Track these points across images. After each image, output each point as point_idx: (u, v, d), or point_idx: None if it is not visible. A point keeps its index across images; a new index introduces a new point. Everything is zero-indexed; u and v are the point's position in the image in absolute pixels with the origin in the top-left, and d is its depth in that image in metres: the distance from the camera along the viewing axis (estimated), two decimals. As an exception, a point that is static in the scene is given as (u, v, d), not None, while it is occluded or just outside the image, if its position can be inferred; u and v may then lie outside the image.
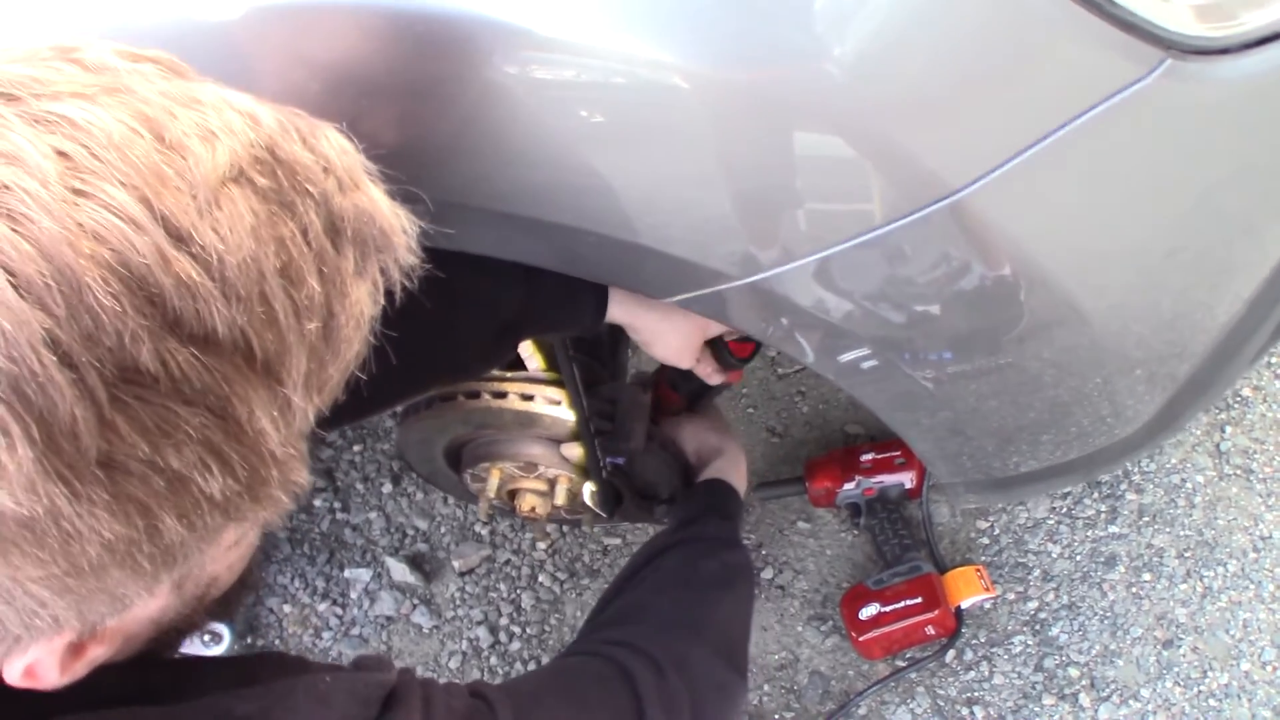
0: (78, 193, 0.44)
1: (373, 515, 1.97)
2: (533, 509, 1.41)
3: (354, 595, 1.90)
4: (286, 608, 1.91)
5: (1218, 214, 0.85)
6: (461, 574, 1.89)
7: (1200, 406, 1.22)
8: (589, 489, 1.35)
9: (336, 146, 0.56)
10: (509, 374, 1.30)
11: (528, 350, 1.29)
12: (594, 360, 1.35)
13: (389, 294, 0.61)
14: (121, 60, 0.50)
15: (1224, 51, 0.72)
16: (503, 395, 1.30)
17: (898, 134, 0.69)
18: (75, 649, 0.54)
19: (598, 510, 1.36)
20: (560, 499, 1.38)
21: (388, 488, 1.99)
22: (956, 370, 0.87)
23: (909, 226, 0.73)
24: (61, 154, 0.44)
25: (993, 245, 0.75)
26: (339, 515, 1.98)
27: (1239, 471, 1.66)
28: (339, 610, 1.89)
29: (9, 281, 0.41)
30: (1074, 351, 0.87)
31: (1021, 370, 0.89)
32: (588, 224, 0.75)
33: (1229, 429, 1.70)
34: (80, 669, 0.56)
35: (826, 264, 0.76)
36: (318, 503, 1.99)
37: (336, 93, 0.70)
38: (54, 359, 0.42)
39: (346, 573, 1.92)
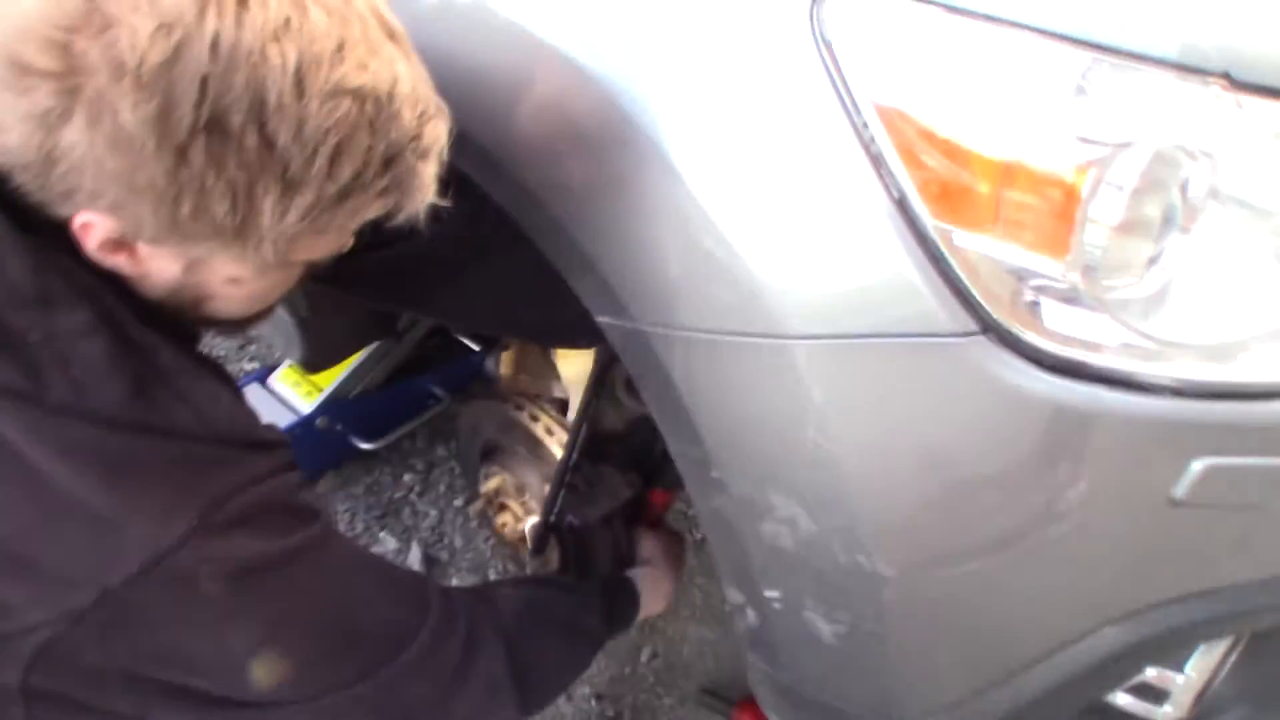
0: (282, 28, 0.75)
1: (433, 511, 2.27)
2: (504, 524, 1.65)
3: (374, 551, 2.19)
4: (326, 525, 2.21)
5: (1018, 521, 0.98)
6: (452, 593, 2.13)
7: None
8: (531, 522, 1.58)
9: (434, 134, 0.85)
10: (552, 410, 1.58)
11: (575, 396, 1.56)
12: (642, 456, 1.58)
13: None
14: None
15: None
16: (535, 419, 1.57)
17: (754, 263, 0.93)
18: (114, 244, 0.81)
19: (530, 543, 1.58)
20: (525, 529, 1.62)
21: (458, 503, 2.29)
22: (743, 494, 1.06)
23: (749, 344, 0.96)
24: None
25: (796, 393, 0.96)
26: (412, 495, 2.30)
27: None
28: (355, 552, 2.18)
29: (211, 41, 0.72)
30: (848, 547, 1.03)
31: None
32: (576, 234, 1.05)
33: None
34: (109, 261, 0.83)
35: (698, 344, 1.00)
36: (406, 478, 2.32)
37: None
38: (196, 88, 0.72)
39: (382, 534, 2.22)
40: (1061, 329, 0.88)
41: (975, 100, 0.85)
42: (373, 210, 0.84)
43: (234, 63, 0.72)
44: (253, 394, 2.09)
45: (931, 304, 0.89)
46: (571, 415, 1.57)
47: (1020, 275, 0.87)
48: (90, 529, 0.80)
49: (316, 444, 2.15)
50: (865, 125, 0.88)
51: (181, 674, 0.90)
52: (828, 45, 0.87)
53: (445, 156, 0.88)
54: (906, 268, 0.89)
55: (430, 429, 2.38)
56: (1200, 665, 1.14)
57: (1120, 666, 1.09)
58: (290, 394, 2.13)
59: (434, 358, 2.18)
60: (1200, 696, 1.18)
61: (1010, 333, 0.88)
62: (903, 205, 0.88)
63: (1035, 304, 0.88)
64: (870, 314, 0.91)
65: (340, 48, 0.76)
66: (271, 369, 2.17)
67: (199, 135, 0.73)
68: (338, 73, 0.76)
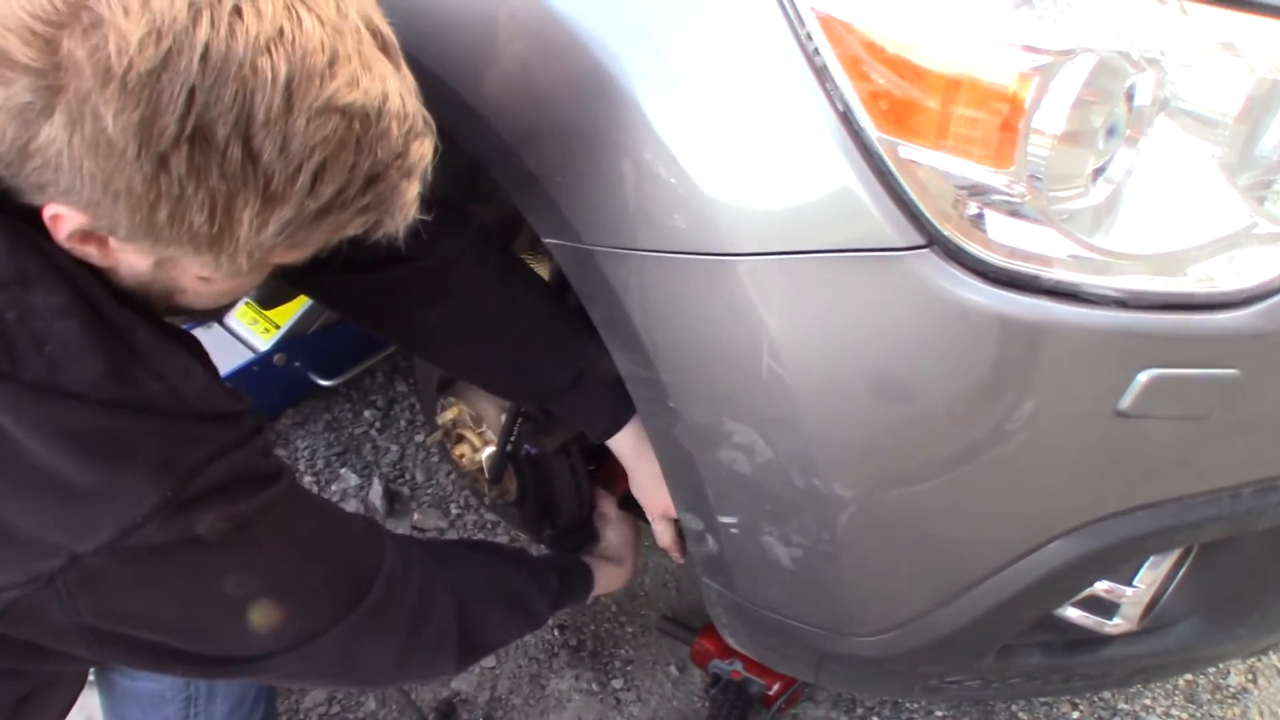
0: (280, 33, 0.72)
1: (394, 447, 2.26)
2: (462, 455, 1.64)
3: (334, 487, 2.18)
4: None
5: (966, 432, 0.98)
6: (414, 528, 2.13)
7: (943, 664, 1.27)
8: (488, 453, 1.57)
9: (420, 152, 0.82)
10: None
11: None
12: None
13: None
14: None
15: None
16: (491, 350, 1.55)
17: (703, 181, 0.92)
18: (84, 235, 0.79)
19: (487, 472, 1.57)
20: (482, 459, 1.61)
21: (419, 438, 2.28)
22: (700, 421, 1.05)
23: (700, 262, 0.95)
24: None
25: (747, 311, 0.95)
26: (372, 431, 2.29)
27: None
28: (314, 489, 2.17)
29: (202, 51, 0.69)
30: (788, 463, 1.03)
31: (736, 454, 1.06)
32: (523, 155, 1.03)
33: None
34: (79, 251, 0.81)
35: (650, 264, 0.99)
36: (367, 413, 2.31)
37: None
38: (183, 98, 0.69)
39: (343, 470, 2.21)
40: (1007, 241, 0.88)
41: (919, 10, 0.84)
42: (352, 227, 0.83)
43: (223, 75, 0.70)
44: (210, 333, 2.05)
45: (876, 217, 0.88)
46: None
47: (965, 187, 0.87)
48: (64, 500, 0.81)
49: (275, 381, 2.13)
50: (809, 37, 0.86)
51: (144, 630, 0.92)
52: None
53: (429, 176, 0.86)
54: (851, 181, 0.88)
55: (390, 365, 2.37)
56: (1149, 578, 1.16)
57: (1069, 580, 1.10)
58: (247, 332, 2.10)
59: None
60: (1149, 609, 1.20)
61: (955, 245, 0.88)
62: (847, 118, 0.87)
63: (980, 216, 0.87)
64: (816, 229, 0.91)
65: (333, 62, 0.74)
66: (227, 307, 2.13)
67: (182, 145, 0.71)
68: (329, 89, 0.74)
